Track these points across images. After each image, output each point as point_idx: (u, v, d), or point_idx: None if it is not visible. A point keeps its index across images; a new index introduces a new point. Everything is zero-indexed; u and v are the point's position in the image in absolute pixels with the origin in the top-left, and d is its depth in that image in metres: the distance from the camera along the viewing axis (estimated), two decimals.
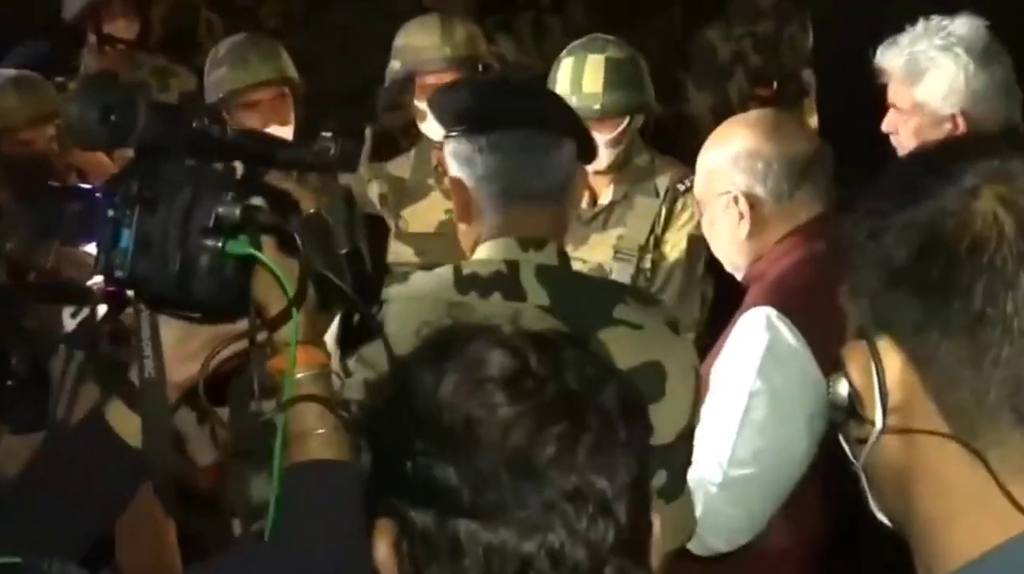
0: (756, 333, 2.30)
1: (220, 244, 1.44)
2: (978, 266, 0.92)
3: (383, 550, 1.15)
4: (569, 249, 3.22)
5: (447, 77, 3.41)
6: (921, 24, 2.85)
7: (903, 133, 2.86)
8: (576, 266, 3.25)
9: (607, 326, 2.05)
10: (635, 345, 2.04)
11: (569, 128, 2.18)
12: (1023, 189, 0.94)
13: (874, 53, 2.92)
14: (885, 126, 2.90)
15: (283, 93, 3.69)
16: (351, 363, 2.09)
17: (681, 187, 3.34)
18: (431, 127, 3.23)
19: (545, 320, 1.17)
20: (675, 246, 3.33)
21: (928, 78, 2.81)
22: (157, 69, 4.66)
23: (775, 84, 5.39)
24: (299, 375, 1.53)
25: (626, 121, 3.34)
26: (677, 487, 2.11)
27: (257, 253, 1.46)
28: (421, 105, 3.37)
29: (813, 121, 5.33)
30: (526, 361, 1.11)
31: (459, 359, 1.12)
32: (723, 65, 5.42)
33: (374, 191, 3.47)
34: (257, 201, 1.46)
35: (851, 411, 1.00)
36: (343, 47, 5.21)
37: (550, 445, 1.08)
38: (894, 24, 2.97)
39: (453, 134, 2.15)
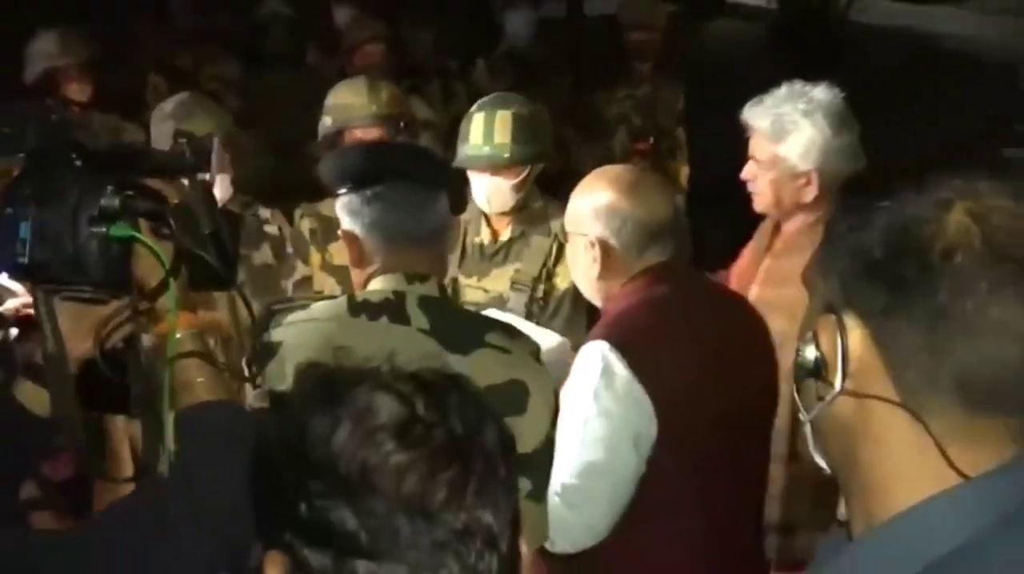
0: (591, 364, 2.34)
1: (105, 229, 1.55)
2: (947, 270, 0.99)
3: None
4: (473, 280, 3.44)
5: (373, 132, 3.59)
6: (785, 88, 2.96)
7: (761, 182, 2.96)
8: (478, 295, 3.43)
9: (479, 347, 2.16)
10: (503, 364, 2.16)
11: (443, 183, 2.29)
12: (990, 207, 1.01)
13: (732, 115, 3.02)
14: (744, 174, 3.00)
15: (223, 145, 3.68)
16: (259, 379, 2.17)
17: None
18: None
19: (423, 358, 1.18)
20: (564, 278, 3.41)
21: (791, 138, 2.90)
22: (109, 127, 4.81)
23: (651, 139, 5.56)
24: (179, 335, 1.62)
25: (528, 169, 3.44)
26: (542, 490, 2.21)
27: (136, 233, 1.57)
28: None
29: (685, 170, 5.65)
30: (413, 408, 1.11)
31: (350, 406, 1.11)
32: (607, 123, 5.57)
33: (305, 226, 3.58)
34: (133, 194, 1.57)
35: (815, 373, 1.08)
36: (273, 108, 5.28)
37: (441, 490, 1.08)
38: (751, 91, 3.06)
39: (343, 192, 2.25)
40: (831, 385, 1.05)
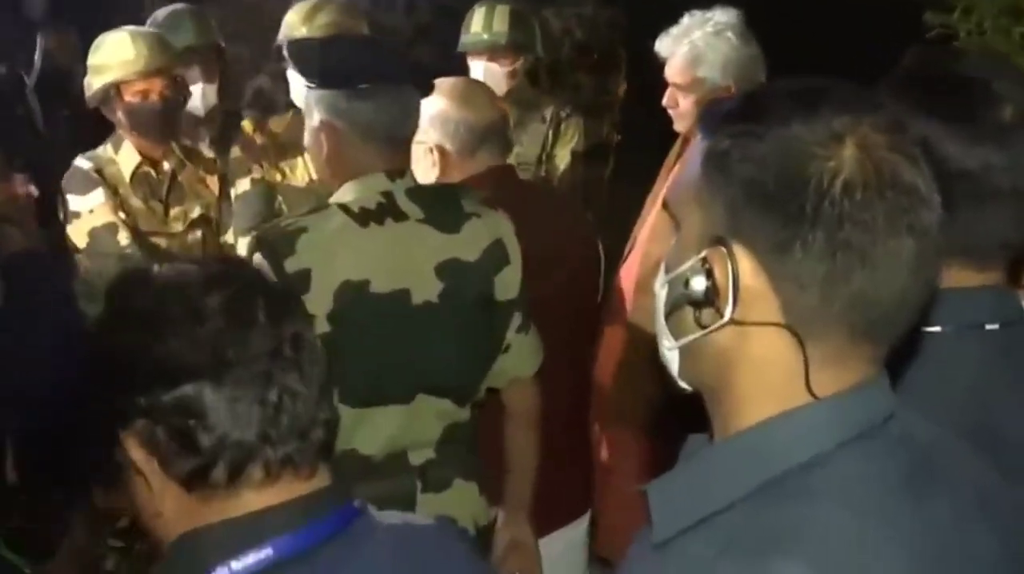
0: None
1: None
2: (848, 204, 0.98)
3: (137, 453, 1.19)
4: None
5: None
6: (687, 18, 3.14)
7: (683, 104, 3.11)
8: None
9: (465, 221, 2.29)
10: (483, 230, 2.30)
11: (417, 82, 2.32)
12: (878, 143, 1.00)
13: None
14: (665, 101, 3.14)
15: (211, 56, 3.89)
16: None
17: (563, 114, 3.98)
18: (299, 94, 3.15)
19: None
20: (563, 159, 3.90)
21: (708, 59, 3.07)
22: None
23: (595, 55, 5.86)
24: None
25: (520, 59, 3.88)
26: (528, 323, 2.41)
27: None
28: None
29: (623, 86, 5.86)
30: (211, 267, 1.24)
31: (161, 277, 1.22)
32: (555, 36, 5.59)
33: (258, 140, 3.59)
34: None
35: (703, 303, 1.05)
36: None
37: (260, 310, 1.19)
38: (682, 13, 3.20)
39: (316, 84, 2.23)
40: (720, 314, 1.04)
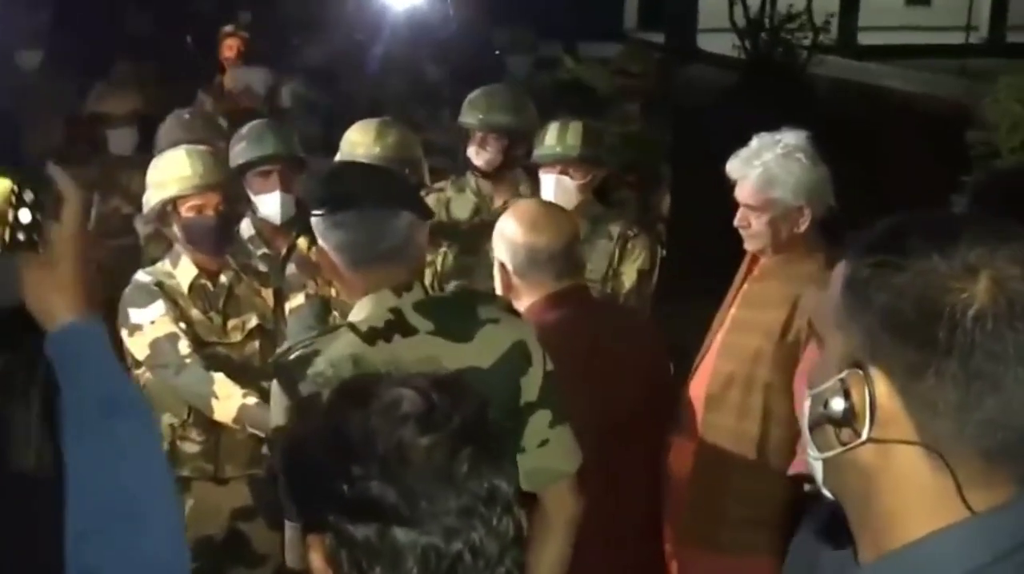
0: None
1: None
2: (980, 335, 1.03)
3: (317, 561, 1.24)
4: None
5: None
6: (756, 140, 3.18)
7: (756, 224, 3.14)
8: None
9: (480, 327, 2.32)
10: (502, 334, 2.34)
11: (402, 200, 2.35)
12: (1012, 275, 1.05)
13: (715, 154, 3.25)
14: (737, 221, 3.18)
15: (291, 167, 3.98)
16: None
17: (630, 233, 3.99)
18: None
19: (422, 362, 1.34)
20: (629, 277, 3.93)
21: (781, 180, 3.10)
22: None
23: (638, 173, 5.71)
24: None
25: (591, 175, 3.97)
26: (563, 417, 2.39)
27: None
28: None
29: (667, 200, 5.84)
30: (431, 399, 1.24)
31: (377, 401, 1.23)
32: None
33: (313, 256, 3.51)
34: None
35: (841, 422, 1.11)
36: None
37: (464, 463, 1.20)
38: (724, 130, 3.38)
39: (314, 214, 2.36)
40: (857, 433, 1.10)
